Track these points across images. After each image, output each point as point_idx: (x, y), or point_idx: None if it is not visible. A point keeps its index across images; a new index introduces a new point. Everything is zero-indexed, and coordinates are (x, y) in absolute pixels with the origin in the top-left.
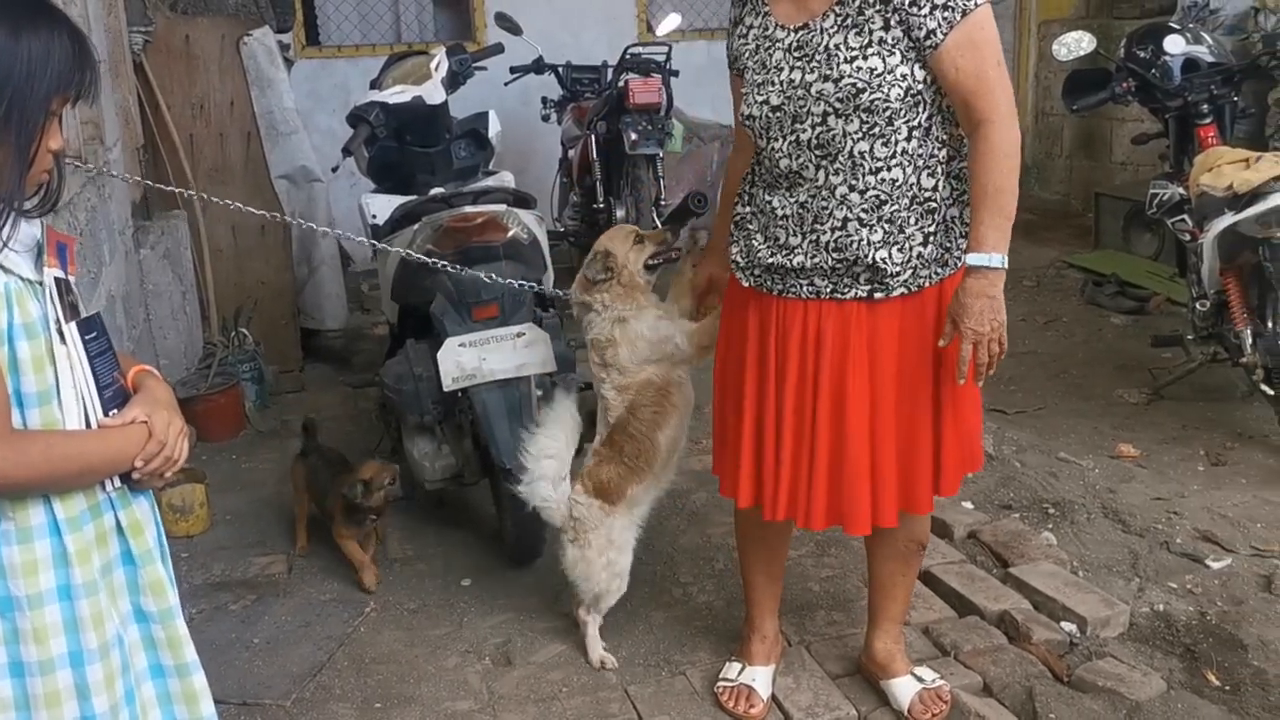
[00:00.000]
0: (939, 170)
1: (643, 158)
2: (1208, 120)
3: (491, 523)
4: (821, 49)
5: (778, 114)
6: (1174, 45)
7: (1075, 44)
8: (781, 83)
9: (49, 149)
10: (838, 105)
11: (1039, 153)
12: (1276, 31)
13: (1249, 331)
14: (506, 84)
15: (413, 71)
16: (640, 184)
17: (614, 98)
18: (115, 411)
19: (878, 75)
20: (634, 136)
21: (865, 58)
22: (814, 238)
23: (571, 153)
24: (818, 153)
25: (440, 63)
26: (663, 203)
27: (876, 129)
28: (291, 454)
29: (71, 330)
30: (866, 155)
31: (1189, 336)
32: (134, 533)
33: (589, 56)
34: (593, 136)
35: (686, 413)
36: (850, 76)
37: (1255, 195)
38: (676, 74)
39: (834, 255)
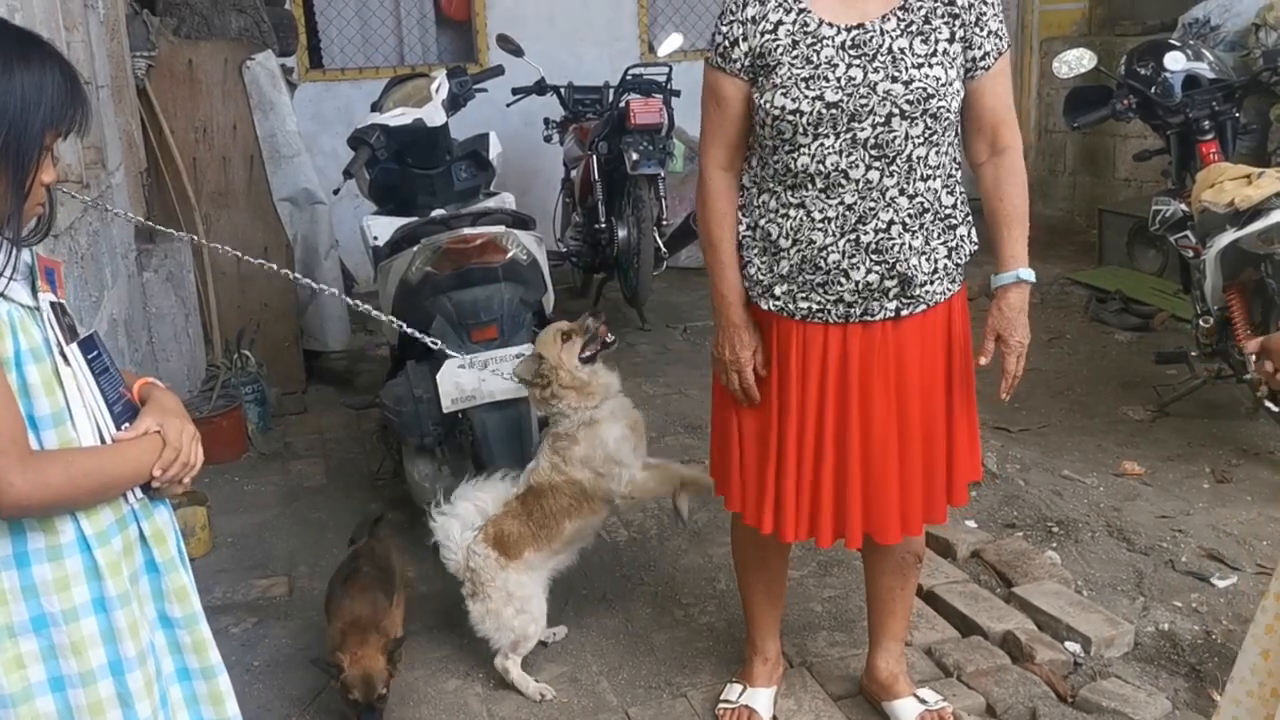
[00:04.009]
0: (955, 188)
1: (644, 178)
2: (1209, 136)
3: None
4: (885, 50)
5: (832, 110)
6: (1174, 62)
7: (1076, 61)
8: (838, 79)
9: (43, 182)
10: (905, 107)
11: (1042, 170)
12: (1277, 48)
13: None
14: (509, 105)
15: (413, 94)
16: (642, 204)
17: (615, 118)
18: (127, 425)
19: (942, 85)
20: (635, 156)
21: (930, 66)
22: (854, 237)
23: (574, 173)
24: (873, 152)
25: (441, 85)
26: (665, 223)
27: (935, 136)
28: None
29: (73, 351)
30: (921, 161)
31: (1193, 353)
32: (157, 542)
33: (591, 77)
34: (594, 157)
35: (600, 521)
36: (920, 81)
37: (1257, 211)
38: (678, 94)
39: (873, 257)
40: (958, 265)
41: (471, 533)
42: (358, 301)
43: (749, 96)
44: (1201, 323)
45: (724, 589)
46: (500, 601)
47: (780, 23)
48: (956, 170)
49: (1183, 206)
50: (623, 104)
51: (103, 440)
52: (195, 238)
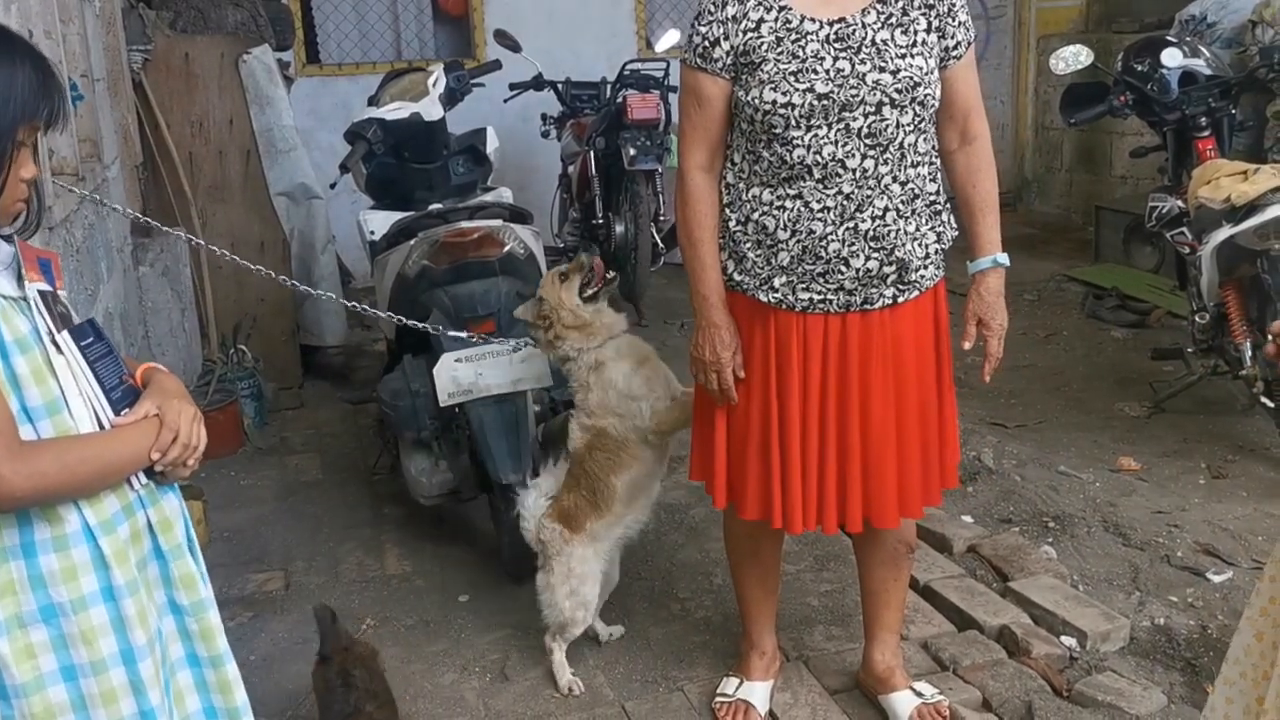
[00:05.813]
0: (937, 175)
1: (641, 173)
2: (1206, 133)
3: (489, 539)
4: (869, 42)
5: (824, 101)
6: (1171, 58)
7: (1073, 57)
8: (827, 71)
9: (21, 178)
10: (895, 96)
11: (1039, 167)
12: (1274, 44)
13: (1248, 344)
14: (506, 101)
15: (410, 88)
16: (639, 199)
17: (613, 113)
18: (128, 410)
19: (926, 74)
20: (633, 152)
21: (913, 56)
22: (852, 225)
23: (571, 169)
24: (867, 142)
25: (438, 79)
26: (662, 218)
27: (923, 124)
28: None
29: (65, 339)
30: (911, 148)
31: (1189, 349)
32: (163, 529)
33: (588, 73)
34: (592, 152)
35: (654, 465)
36: (906, 71)
37: (1253, 207)
38: (675, 89)
39: (871, 244)
40: (942, 251)
41: (546, 502)
42: (355, 303)
43: (730, 95)
44: (1197, 319)
45: (720, 584)
46: (560, 577)
47: (762, 20)
48: (937, 158)
49: (1179, 203)
50: (620, 99)
51: (102, 427)
52: (191, 238)
